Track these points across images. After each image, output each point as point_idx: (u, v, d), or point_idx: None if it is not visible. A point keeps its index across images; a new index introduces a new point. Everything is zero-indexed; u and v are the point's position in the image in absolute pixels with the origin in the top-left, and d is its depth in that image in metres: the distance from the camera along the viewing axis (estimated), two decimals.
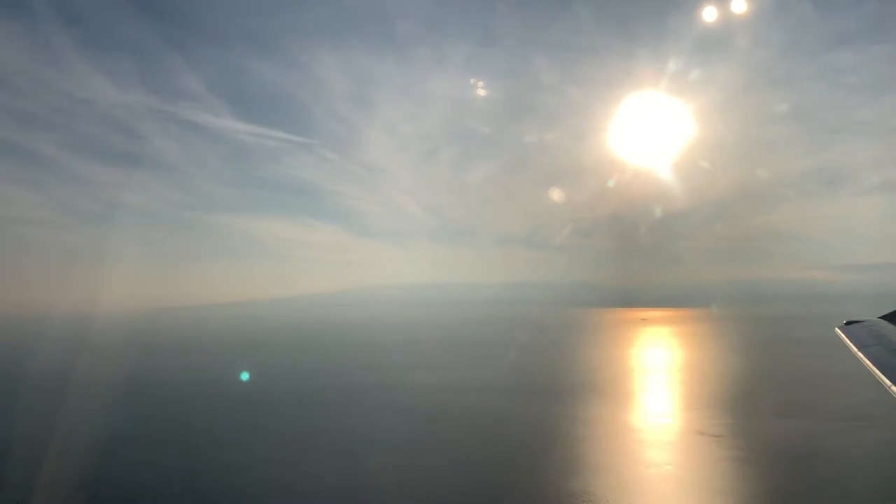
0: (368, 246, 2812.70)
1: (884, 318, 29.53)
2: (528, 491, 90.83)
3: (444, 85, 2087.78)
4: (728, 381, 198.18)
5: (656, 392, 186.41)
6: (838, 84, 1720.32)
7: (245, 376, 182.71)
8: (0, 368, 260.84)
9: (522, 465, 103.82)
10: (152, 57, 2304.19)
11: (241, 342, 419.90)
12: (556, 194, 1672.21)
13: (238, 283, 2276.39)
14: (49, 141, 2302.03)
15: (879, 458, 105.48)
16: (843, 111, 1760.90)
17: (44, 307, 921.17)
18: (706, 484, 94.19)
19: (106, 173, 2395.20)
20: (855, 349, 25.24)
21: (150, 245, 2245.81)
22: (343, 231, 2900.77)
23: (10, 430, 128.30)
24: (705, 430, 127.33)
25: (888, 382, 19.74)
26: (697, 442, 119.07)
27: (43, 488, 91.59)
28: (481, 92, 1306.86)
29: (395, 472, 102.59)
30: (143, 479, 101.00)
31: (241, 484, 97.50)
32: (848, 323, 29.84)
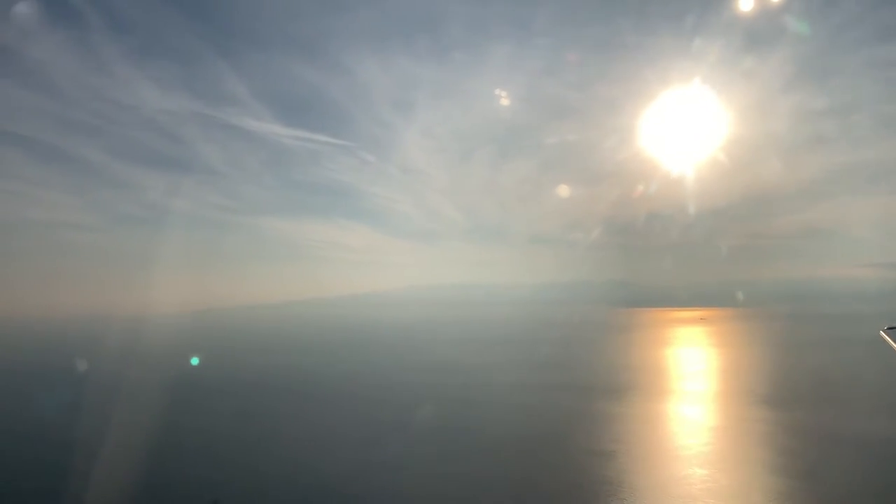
0: (404, 247, 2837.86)
1: None
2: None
3: (483, 86, 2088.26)
4: (774, 381, 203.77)
5: (700, 390, 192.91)
6: (885, 78, 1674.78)
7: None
8: (48, 369, 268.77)
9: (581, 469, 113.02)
10: (197, 63, 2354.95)
11: (285, 342, 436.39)
12: (590, 193, 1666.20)
13: (278, 284, 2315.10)
14: (95, 147, 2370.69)
15: None
16: (890, 106, 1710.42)
17: (88, 310, 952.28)
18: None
19: (150, 178, 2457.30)
20: None
21: (193, 248, 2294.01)
22: (379, 232, 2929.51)
23: (66, 430, 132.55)
24: (763, 422, 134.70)
25: None
26: (751, 440, 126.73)
27: (104, 483, 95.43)
28: (519, 93, 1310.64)
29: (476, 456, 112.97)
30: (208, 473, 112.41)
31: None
32: (891, 328, 38.65)
